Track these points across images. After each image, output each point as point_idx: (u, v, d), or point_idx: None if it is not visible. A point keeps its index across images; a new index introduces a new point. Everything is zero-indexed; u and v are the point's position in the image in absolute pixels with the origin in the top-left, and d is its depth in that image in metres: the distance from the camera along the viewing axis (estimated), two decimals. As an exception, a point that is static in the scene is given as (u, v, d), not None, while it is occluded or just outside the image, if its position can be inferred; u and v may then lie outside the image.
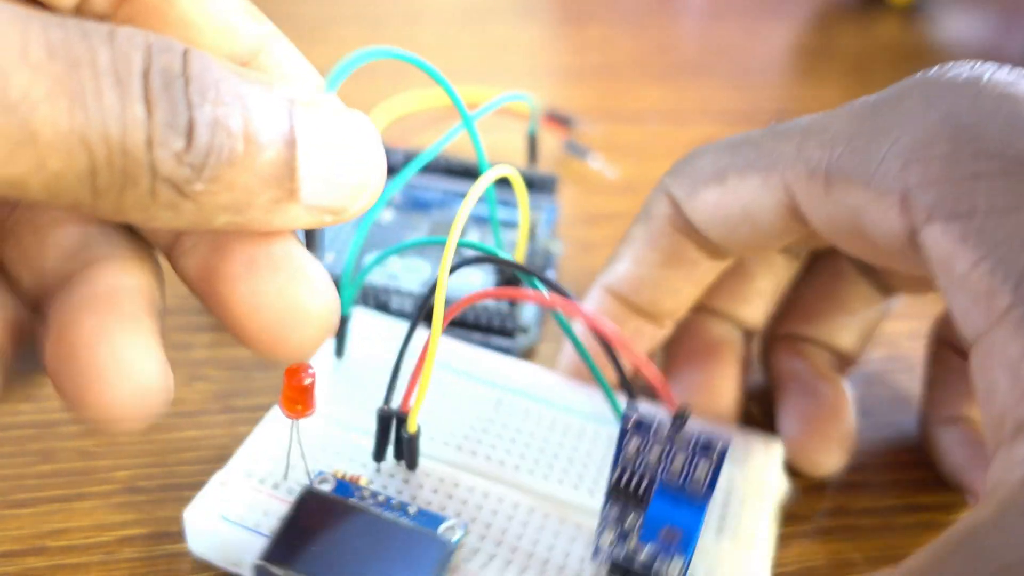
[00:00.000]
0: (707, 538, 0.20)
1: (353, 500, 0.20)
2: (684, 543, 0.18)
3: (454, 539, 0.19)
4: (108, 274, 0.14)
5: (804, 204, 0.20)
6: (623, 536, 0.19)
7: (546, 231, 0.31)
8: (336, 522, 0.19)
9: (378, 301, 0.27)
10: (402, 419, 0.20)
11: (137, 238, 0.15)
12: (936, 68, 0.20)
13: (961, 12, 0.57)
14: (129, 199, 0.12)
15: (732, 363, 0.25)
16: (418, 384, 0.20)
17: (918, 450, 0.25)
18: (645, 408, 0.18)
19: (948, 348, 0.25)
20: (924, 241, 0.18)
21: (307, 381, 0.19)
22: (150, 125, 0.12)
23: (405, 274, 0.29)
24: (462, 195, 0.27)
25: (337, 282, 0.27)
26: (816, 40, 0.53)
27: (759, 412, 0.26)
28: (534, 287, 0.20)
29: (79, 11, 0.15)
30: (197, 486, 0.20)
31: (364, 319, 0.25)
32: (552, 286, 0.19)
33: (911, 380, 0.27)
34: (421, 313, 0.20)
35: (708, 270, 0.23)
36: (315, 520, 0.19)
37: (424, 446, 0.21)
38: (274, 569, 0.18)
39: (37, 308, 0.14)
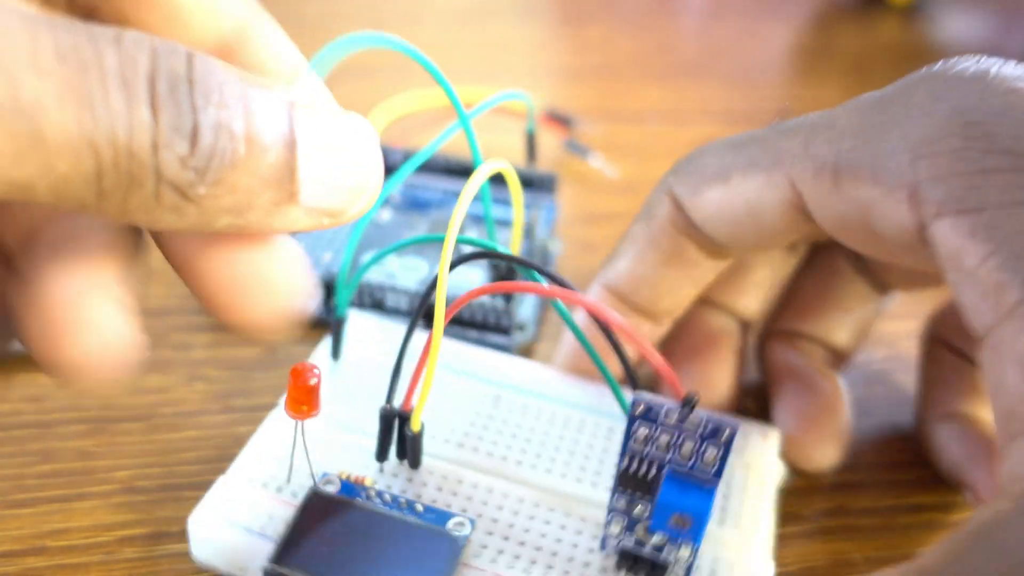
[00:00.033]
0: (710, 527, 0.20)
1: (360, 500, 0.20)
2: (695, 529, 0.18)
3: (463, 535, 0.19)
4: (84, 233, 0.14)
5: (811, 201, 0.20)
6: (631, 525, 0.19)
7: (545, 230, 0.31)
8: (344, 523, 0.19)
9: (374, 299, 0.27)
10: (404, 418, 0.20)
11: None
12: (941, 63, 0.20)
13: (961, 12, 0.57)
14: (134, 202, 0.12)
15: (729, 355, 0.25)
16: (420, 382, 0.20)
17: (918, 450, 0.25)
18: (651, 396, 0.18)
19: (942, 346, 0.25)
20: (933, 236, 0.18)
21: (313, 381, 0.19)
22: (156, 128, 0.12)
23: (403, 273, 0.29)
24: (461, 195, 0.27)
25: (333, 283, 0.27)
26: (816, 40, 0.54)
27: (755, 407, 0.26)
28: (533, 280, 0.20)
29: None
30: (197, 486, 0.20)
31: (359, 321, 0.25)
32: (551, 277, 0.19)
33: (911, 380, 0.27)
34: (421, 310, 0.20)
35: (708, 270, 0.23)
36: (322, 522, 0.19)
37: (425, 444, 0.21)
38: (284, 571, 0.18)
39: (11, 264, 0.15)
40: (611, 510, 0.19)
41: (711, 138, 0.23)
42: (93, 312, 0.14)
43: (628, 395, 0.19)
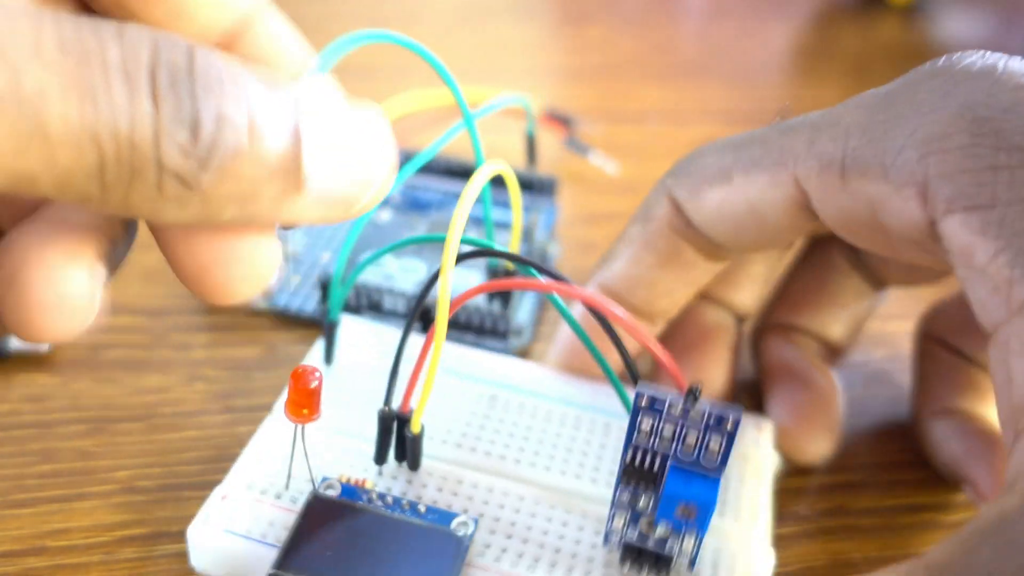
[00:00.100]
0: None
1: (362, 503, 0.20)
2: (700, 519, 0.18)
3: (468, 534, 0.19)
4: (73, 210, 0.14)
5: (816, 199, 0.20)
6: (635, 518, 0.19)
7: (544, 233, 0.31)
8: (347, 526, 0.19)
9: (371, 300, 0.27)
10: (403, 420, 0.20)
11: None
12: (945, 58, 0.20)
13: (961, 12, 0.57)
14: (136, 193, 0.13)
15: (724, 349, 0.25)
16: (419, 384, 0.20)
17: (918, 450, 0.25)
18: (654, 388, 0.18)
19: (935, 343, 0.25)
20: (943, 232, 0.18)
21: (314, 384, 0.18)
22: (157, 120, 0.12)
23: (401, 274, 0.29)
24: (461, 195, 0.27)
25: (329, 284, 0.27)
26: (816, 40, 0.54)
27: (749, 402, 0.26)
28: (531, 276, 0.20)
29: None
30: (197, 486, 0.20)
31: (351, 326, 0.25)
32: (549, 273, 0.19)
33: (910, 380, 0.27)
34: (417, 310, 0.20)
35: (704, 272, 0.23)
36: (325, 526, 0.19)
37: (424, 446, 0.21)
38: None
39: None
40: (614, 504, 0.19)
41: (711, 138, 0.23)
42: (59, 271, 0.14)
43: (627, 389, 0.19)
